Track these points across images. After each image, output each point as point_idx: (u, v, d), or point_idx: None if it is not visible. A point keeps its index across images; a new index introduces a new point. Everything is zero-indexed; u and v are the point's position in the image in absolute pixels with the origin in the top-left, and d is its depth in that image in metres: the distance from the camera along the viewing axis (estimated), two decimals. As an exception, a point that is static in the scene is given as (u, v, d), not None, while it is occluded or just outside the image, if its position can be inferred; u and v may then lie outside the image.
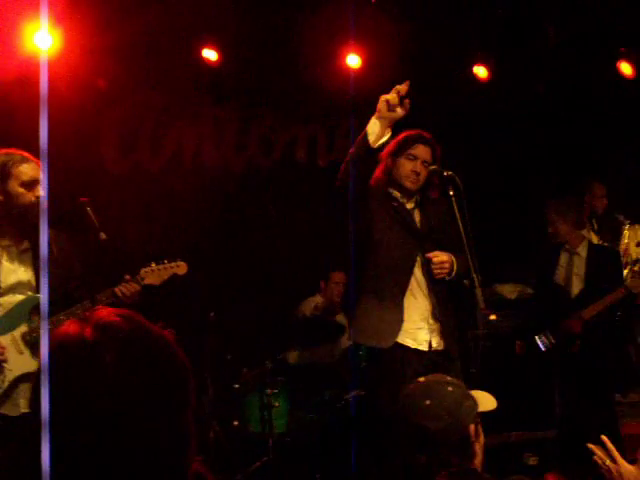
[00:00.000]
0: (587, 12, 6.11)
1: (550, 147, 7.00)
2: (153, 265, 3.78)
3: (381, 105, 3.77)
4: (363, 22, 5.84)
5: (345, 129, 6.89)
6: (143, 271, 3.75)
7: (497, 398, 2.47)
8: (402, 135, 4.06)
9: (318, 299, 6.36)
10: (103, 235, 3.66)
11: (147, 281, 3.74)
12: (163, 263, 3.80)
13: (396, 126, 4.00)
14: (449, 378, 2.42)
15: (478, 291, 3.57)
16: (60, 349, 1.23)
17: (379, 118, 3.79)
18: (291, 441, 5.10)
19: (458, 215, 3.78)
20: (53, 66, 4.90)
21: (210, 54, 6.17)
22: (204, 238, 6.36)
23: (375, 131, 3.79)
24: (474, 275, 3.63)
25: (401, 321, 3.90)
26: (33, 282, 3.59)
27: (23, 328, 3.51)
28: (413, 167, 4.00)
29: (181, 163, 6.65)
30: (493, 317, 5.79)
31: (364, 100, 6.36)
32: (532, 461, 5.44)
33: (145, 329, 1.27)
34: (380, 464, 3.53)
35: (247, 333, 6.00)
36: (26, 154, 3.58)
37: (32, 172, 3.54)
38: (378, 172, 4.06)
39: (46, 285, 3.51)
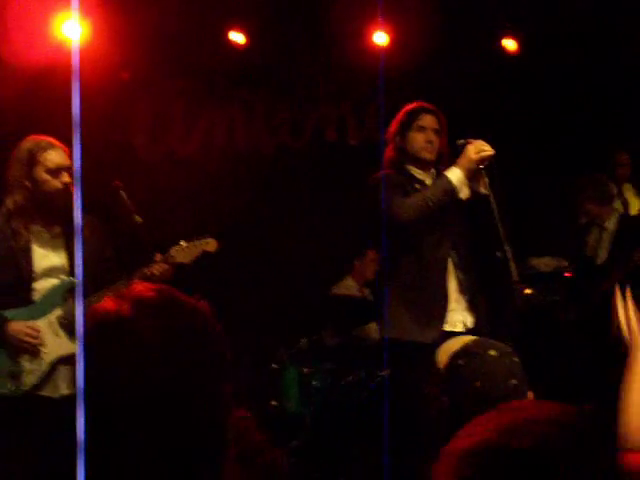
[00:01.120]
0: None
1: (581, 120, 6.91)
2: (182, 243, 3.76)
3: (476, 157, 3.72)
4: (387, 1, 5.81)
5: (374, 107, 6.87)
6: (173, 250, 3.73)
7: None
8: (403, 111, 3.99)
9: (350, 282, 6.40)
10: (138, 218, 3.72)
11: (178, 259, 3.73)
12: (192, 240, 3.78)
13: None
14: (500, 344, 2.32)
15: (511, 264, 3.53)
16: (98, 326, 1.26)
17: (464, 167, 3.76)
18: (327, 420, 5.13)
19: (488, 187, 3.74)
20: (83, 55, 4.94)
21: (237, 37, 6.18)
22: (238, 220, 6.39)
23: (462, 184, 3.77)
24: (506, 247, 3.59)
25: (444, 310, 3.83)
26: (67, 266, 3.62)
27: (59, 312, 3.55)
28: (426, 137, 3.92)
29: (212, 147, 6.68)
30: (529, 291, 5.76)
31: (392, 77, 6.38)
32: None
33: (181, 303, 1.29)
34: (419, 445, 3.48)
35: (283, 312, 6.04)
36: (53, 140, 3.59)
37: (58, 159, 3.55)
38: (389, 152, 4.00)
39: (81, 268, 3.57)
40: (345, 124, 7.08)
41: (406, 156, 3.97)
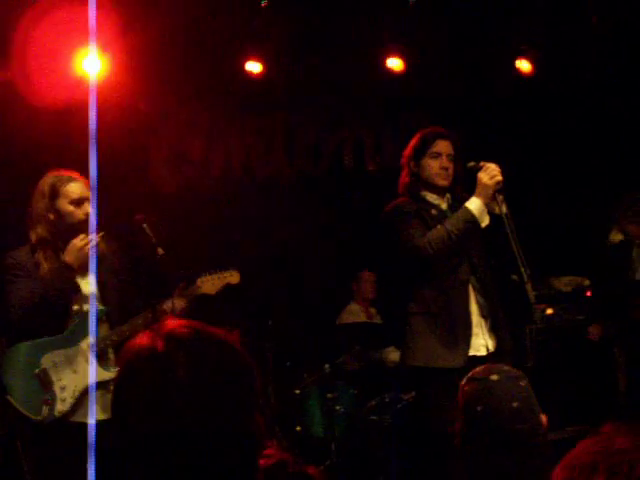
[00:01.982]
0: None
1: (599, 140, 6.90)
2: (208, 275, 3.93)
3: (491, 182, 3.74)
4: (404, 24, 5.87)
5: (391, 131, 6.91)
6: (199, 280, 3.91)
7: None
8: (417, 137, 4.00)
9: (354, 306, 6.43)
10: (160, 250, 3.83)
11: (203, 290, 3.90)
12: (217, 272, 3.94)
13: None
14: (509, 369, 2.34)
15: (528, 286, 3.53)
16: (134, 361, 1.30)
17: (482, 196, 3.77)
18: (353, 444, 5.13)
19: (502, 210, 3.75)
20: (102, 89, 5.04)
21: (254, 66, 6.25)
22: (257, 249, 6.44)
23: (483, 213, 3.78)
24: (522, 269, 3.60)
25: (469, 335, 3.80)
26: (97, 293, 3.74)
27: (90, 339, 3.65)
28: (440, 164, 3.93)
29: (230, 177, 6.74)
30: (550, 311, 5.75)
31: (407, 102, 6.43)
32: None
33: (212, 338, 1.32)
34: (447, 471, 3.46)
35: (304, 339, 6.06)
36: (74, 174, 3.75)
37: (80, 190, 3.71)
38: (404, 178, 4.01)
39: (94, 296, 3.64)
40: (362, 150, 7.13)
41: (421, 182, 3.98)
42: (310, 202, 6.92)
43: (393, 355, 6.14)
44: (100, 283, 3.74)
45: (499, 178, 3.74)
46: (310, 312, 6.39)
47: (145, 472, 1.26)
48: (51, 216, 3.68)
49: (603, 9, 6.26)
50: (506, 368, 2.32)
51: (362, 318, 6.37)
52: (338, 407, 5.13)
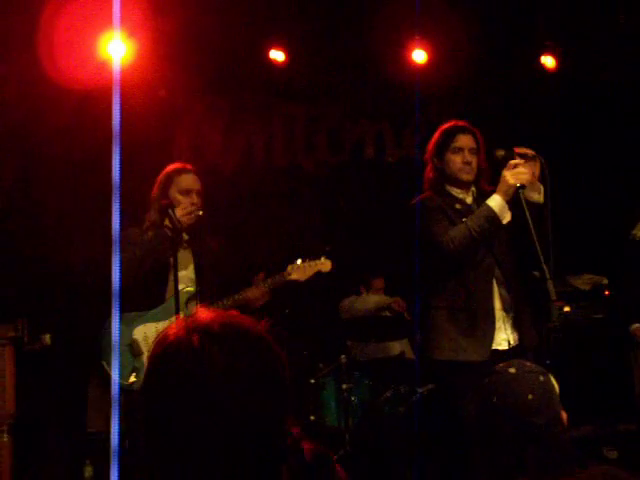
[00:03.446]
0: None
1: (622, 137, 6.87)
2: (299, 261, 4.15)
3: (514, 181, 3.70)
4: (429, 16, 5.85)
5: (413, 125, 6.90)
6: (290, 267, 4.14)
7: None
8: (438, 132, 3.99)
9: (357, 299, 6.43)
10: (185, 236, 4.06)
11: (293, 276, 4.13)
12: (309, 260, 4.17)
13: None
14: (529, 364, 2.36)
15: (549, 282, 3.52)
16: (168, 353, 1.31)
17: (504, 193, 3.75)
18: (367, 435, 5.14)
19: (525, 206, 3.73)
20: (126, 74, 5.06)
21: (277, 55, 6.25)
22: (276, 237, 6.46)
23: (504, 211, 3.77)
24: (544, 266, 3.58)
25: (492, 329, 3.80)
26: (192, 276, 4.10)
27: (180, 315, 3.80)
28: (463, 158, 3.91)
29: (251, 164, 6.76)
30: (567, 309, 5.74)
31: (431, 95, 6.42)
32: (612, 455, 5.37)
33: (246, 333, 1.33)
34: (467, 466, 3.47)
35: (321, 328, 6.07)
36: (188, 165, 4.21)
37: (189, 181, 4.15)
38: (428, 173, 4.00)
39: (118, 276, 3.74)
40: (383, 141, 7.13)
41: (445, 177, 3.98)
42: (330, 191, 6.93)
43: (397, 348, 6.16)
44: (197, 264, 4.09)
45: (524, 176, 3.72)
46: (328, 302, 6.40)
47: (168, 464, 1.27)
48: (163, 202, 4.02)
49: (630, 7, 6.22)
50: (527, 363, 2.33)
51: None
52: (353, 398, 5.15)
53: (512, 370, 2.22)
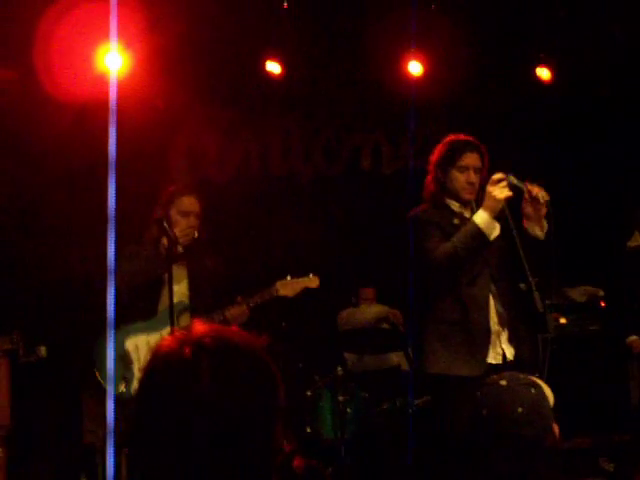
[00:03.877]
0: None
1: (616, 149, 6.88)
2: (288, 278, 4.27)
3: (501, 196, 3.70)
4: (425, 28, 5.87)
5: (409, 136, 6.91)
6: (279, 283, 4.24)
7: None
8: (446, 145, 3.95)
9: (354, 310, 6.43)
10: (180, 248, 4.05)
11: (281, 293, 4.24)
12: (297, 277, 4.29)
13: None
14: (522, 377, 2.36)
15: (536, 294, 3.52)
16: (160, 363, 1.31)
17: (489, 210, 3.74)
18: (362, 447, 5.13)
19: (510, 220, 3.74)
20: (123, 86, 5.06)
21: (274, 67, 6.26)
22: (271, 248, 6.46)
23: (491, 226, 3.75)
24: (530, 278, 3.58)
25: (487, 344, 3.80)
26: (185, 291, 4.27)
27: (169, 328, 3.99)
28: (467, 178, 3.89)
29: (248, 175, 6.76)
30: (563, 321, 5.75)
31: (427, 106, 6.43)
32: (608, 466, 5.37)
33: (240, 349, 1.32)
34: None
35: (317, 340, 6.07)
36: (190, 188, 4.45)
37: (188, 204, 4.30)
38: (430, 183, 3.98)
39: (112, 294, 3.83)
40: (379, 152, 7.14)
41: (446, 191, 3.95)
42: (326, 202, 6.94)
43: (393, 360, 6.15)
44: (191, 280, 4.26)
45: (509, 193, 3.71)
46: (324, 314, 6.40)
47: (156, 473, 1.27)
48: (156, 216, 4.19)
49: (625, 20, 6.24)
50: (520, 375, 2.33)
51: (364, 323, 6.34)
52: (349, 410, 5.14)
53: (503, 382, 2.22)
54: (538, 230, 3.80)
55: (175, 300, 4.04)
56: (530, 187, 3.75)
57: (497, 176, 3.74)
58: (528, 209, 3.78)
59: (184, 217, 4.24)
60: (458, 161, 3.89)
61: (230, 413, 1.26)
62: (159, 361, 1.31)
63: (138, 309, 4.17)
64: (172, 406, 1.27)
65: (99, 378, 4.08)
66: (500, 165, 3.93)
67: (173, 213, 4.24)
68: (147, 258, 4.15)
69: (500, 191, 3.71)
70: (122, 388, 4.00)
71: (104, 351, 3.90)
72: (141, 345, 4.10)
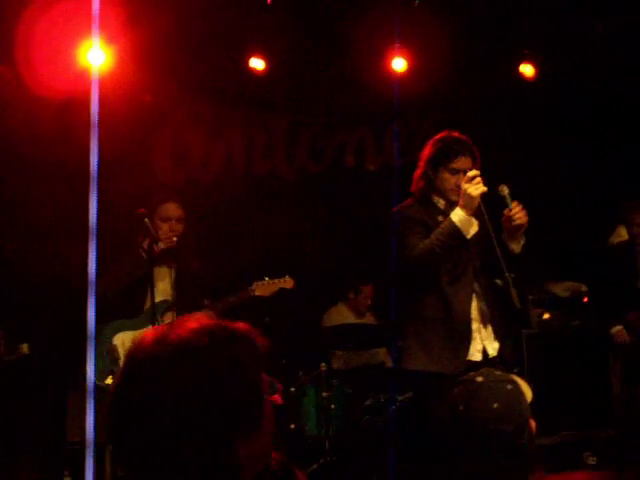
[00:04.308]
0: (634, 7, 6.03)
1: (602, 145, 6.92)
2: (266, 279, 4.57)
3: (476, 193, 3.69)
4: (409, 25, 5.87)
5: (393, 133, 6.92)
6: (255, 284, 4.54)
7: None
8: (439, 143, 3.90)
9: (342, 307, 6.43)
10: (161, 245, 4.15)
11: (257, 293, 4.54)
12: (272, 278, 4.58)
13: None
14: (499, 373, 2.37)
15: (512, 291, 3.52)
16: (136, 357, 1.30)
17: (466, 208, 3.72)
18: (347, 443, 5.14)
19: (486, 217, 3.74)
20: (106, 82, 5.04)
21: (257, 63, 6.25)
22: (255, 245, 6.45)
23: (467, 224, 3.74)
24: (507, 275, 3.59)
25: (468, 341, 3.80)
26: (169, 289, 4.53)
27: (151, 326, 4.24)
28: (457, 181, 3.83)
29: (232, 172, 6.75)
30: (547, 316, 5.77)
31: (410, 103, 6.44)
32: (591, 460, 5.40)
33: (218, 347, 1.29)
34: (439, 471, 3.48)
35: (301, 337, 6.07)
36: (172, 194, 4.70)
37: (168, 210, 4.57)
38: (418, 178, 3.95)
39: (93, 296, 3.92)
40: (364, 149, 7.14)
41: (433, 189, 3.94)
42: (310, 199, 6.94)
43: (380, 356, 6.16)
44: (176, 279, 4.52)
45: (484, 189, 3.72)
46: (307, 311, 6.40)
47: (129, 469, 1.27)
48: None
49: (608, 16, 6.27)
50: (496, 372, 2.34)
51: (351, 319, 6.36)
52: (333, 406, 5.14)
53: (479, 379, 2.24)
54: (514, 244, 3.80)
55: (160, 298, 4.37)
56: (515, 207, 3.74)
57: (472, 173, 3.74)
58: (506, 224, 3.78)
59: (165, 222, 4.51)
60: (450, 163, 3.86)
61: (191, 422, 1.23)
62: (135, 356, 1.30)
63: (125, 307, 4.44)
64: (137, 403, 1.26)
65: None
66: (483, 161, 3.93)
67: (156, 219, 4.50)
68: (128, 261, 4.41)
69: (475, 188, 3.70)
70: (109, 380, 4.25)
71: (97, 347, 4.18)
72: (127, 341, 4.35)
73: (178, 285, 4.56)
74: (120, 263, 4.44)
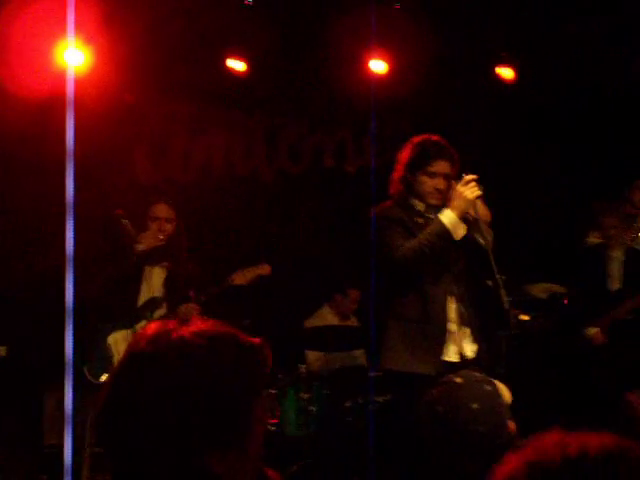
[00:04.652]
0: (608, 9, 6.07)
1: (578, 148, 6.96)
2: (239, 270, 4.74)
3: (472, 196, 3.71)
4: (387, 27, 5.88)
5: (372, 134, 6.93)
6: (234, 274, 4.72)
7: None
8: (417, 146, 3.90)
9: (327, 310, 6.42)
10: (140, 246, 4.18)
11: (236, 281, 4.71)
12: (248, 267, 4.76)
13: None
14: (477, 374, 2.39)
15: (502, 292, 3.55)
16: (137, 349, 1.27)
17: (457, 210, 3.74)
18: (326, 444, 5.14)
19: (479, 218, 3.76)
20: (84, 82, 5.01)
21: (236, 64, 6.24)
22: (235, 247, 6.44)
23: (457, 226, 3.75)
24: (497, 276, 3.61)
25: (445, 342, 3.81)
26: (161, 288, 4.70)
27: (143, 323, 4.45)
28: (435, 184, 3.85)
29: (211, 174, 6.73)
30: (525, 317, 5.80)
31: (388, 105, 6.46)
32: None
33: (217, 354, 1.25)
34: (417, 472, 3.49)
35: (281, 339, 6.05)
36: (159, 196, 4.90)
37: (156, 210, 4.76)
38: (396, 181, 3.95)
39: (71, 287, 3.97)
40: (343, 150, 7.15)
41: (412, 193, 3.93)
42: (289, 200, 6.94)
43: (359, 358, 6.17)
44: (168, 278, 4.70)
45: (479, 193, 3.74)
46: (286, 312, 6.39)
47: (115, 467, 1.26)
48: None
49: (582, 19, 6.31)
50: (475, 373, 2.36)
51: (334, 322, 6.35)
52: (312, 407, 5.14)
53: (458, 380, 2.26)
54: (480, 238, 3.81)
55: (150, 296, 4.63)
56: (479, 204, 3.78)
57: (470, 177, 3.75)
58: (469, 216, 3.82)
59: (153, 222, 4.69)
60: (428, 167, 3.85)
61: (167, 429, 1.21)
62: (131, 349, 1.29)
63: (118, 307, 4.61)
64: (123, 402, 1.25)
65: (87, 374, 4.50)
66: (462, 163, 3.94)
67: (147, 220, 4.70)
68: (117, 263, 4.59)
69: (471, 192, 3.72)
70: (103, 378, 4.42)
71: (93, 349, 4.52)
72: (120, 339, 4.53)
73: (170, 283, 4.73)
74: (109, 265, 4.60)
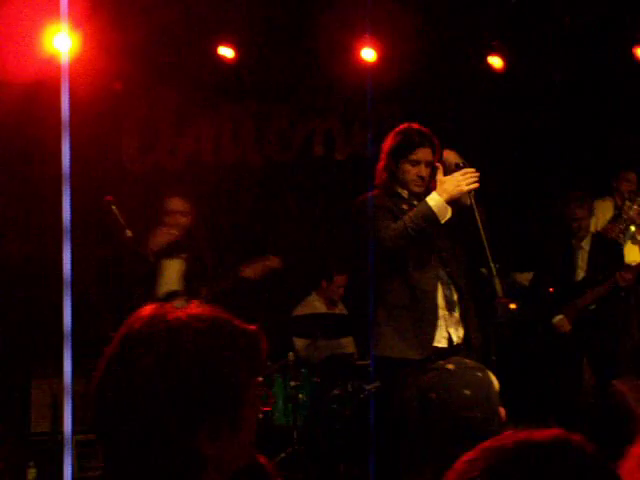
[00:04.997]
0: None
1: (567, 137, 6.98)
2: (249, 262, 4.77)
3: (467, 188, 3.72)
4: (378, 15, 5.87)
5: (362, 122, 6.92)
6: (244, 266, 4.75)
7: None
8: (399, 135, 3.93)
9: (314, 298, 6.42)
10: (129, 232, 4.16)
11: (245, 274, 4.75)
12: (258, 259, 4.80)
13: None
14: (469, 361, 2.40)
15: (496, 280, 3.56)
16: (132, 330, 1.26)
17: (446, 194, 3.73)
18: (315, 432, 5.15)
19: (474, 206, 3.76)
20: (73, 68, 4.97)
21: (226, 51, 6.21)
22: (223, 234, 6.42)
23: (443, 210, 3.75)
24: (492, 264, 3.62)
25: (433, 327, 3.82)
26: (180, 280, 4.74)
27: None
28: (417, 172, 3.89)
29: (200, 161, 6.71)
30: (513, 306, 5.83)
31: (380, 93, 6.45)
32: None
33: (213, 336, 1.24)
34: (408, 460, 3.50)
35: (269, 326, 6.04)
36: (176, 190, 5.07)
37: (173, 205, 4.92)
38: (381, 171, 3.98)
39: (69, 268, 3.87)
40: (332, 139, 7.14)
41: (396, 180, 3.97)
42: (278, 188, 6.93)
43: (348, 346, 6.18)
44: (187, 269, 4.78)
45: (476, 186, 3.75)
46: (274, 300, 6.39)
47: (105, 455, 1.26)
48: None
49: (575, 9, 6.32)
50: (467, 360, 2.37)
51: (322, 310, 6.36)
52: (301, 395, 5.15)
53: (450, 367, 2.28)
54: (466, 197, 3.80)
55: (170, 289, 4.68)
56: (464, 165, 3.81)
57: (470, 169, 3.76)
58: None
59: (168, 215, 4.85)
60: (410, 155, 3.89)
61: (158, 402, 1.21)
62: (127, 328, 1.28)
63: (137, 297, 4.64)
64: (114, 384, 1.24)
65: None
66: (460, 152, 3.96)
67: (162, 215, 4.86)
68: (130, 261, 4.69)
69: (466, 183, 3.73)
70: None
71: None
72: None
73: (188, 275, 4.81)
74: (123, 263, 4.77)
